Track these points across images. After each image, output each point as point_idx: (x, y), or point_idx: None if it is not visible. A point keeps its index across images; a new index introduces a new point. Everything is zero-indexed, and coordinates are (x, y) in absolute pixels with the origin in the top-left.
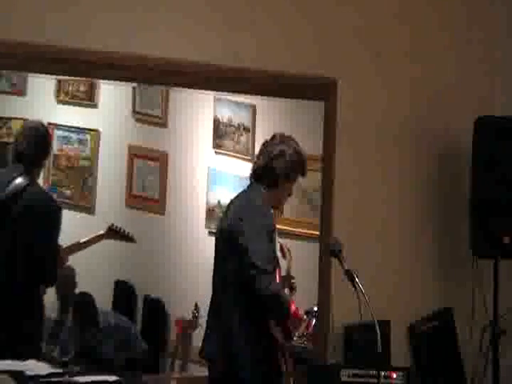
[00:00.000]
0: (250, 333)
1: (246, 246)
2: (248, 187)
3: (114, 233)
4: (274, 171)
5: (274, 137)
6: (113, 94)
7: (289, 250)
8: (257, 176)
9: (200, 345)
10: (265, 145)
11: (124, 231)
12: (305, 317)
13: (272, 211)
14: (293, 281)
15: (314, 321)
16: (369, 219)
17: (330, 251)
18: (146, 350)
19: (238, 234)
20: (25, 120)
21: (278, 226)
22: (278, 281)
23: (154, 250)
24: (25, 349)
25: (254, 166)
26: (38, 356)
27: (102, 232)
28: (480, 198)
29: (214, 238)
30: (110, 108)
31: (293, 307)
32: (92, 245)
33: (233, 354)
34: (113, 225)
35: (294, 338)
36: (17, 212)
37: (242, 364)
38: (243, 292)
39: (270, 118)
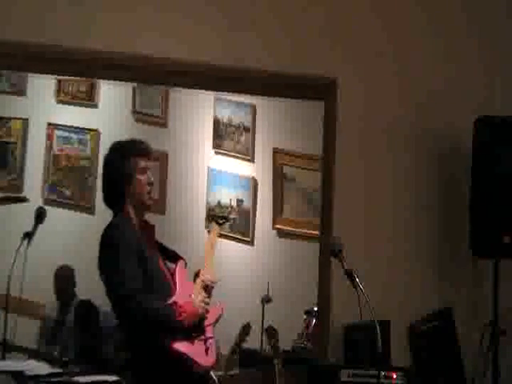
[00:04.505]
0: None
1: (104, 279)
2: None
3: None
4: (107, 190)
5: None
6: (113, 94)
7: (211, 286)
8: (107, 204)
9: None
10: None
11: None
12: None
13: (123, 228)
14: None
15: (314, 321)
16: (369, 219)
17: (330, 251)
18: None
19: (100, 275)
20: (24, 120)
21: (278, 227)
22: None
23: None
24: None
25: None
26: None
27: None
28: (480, 197)
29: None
30: (110, 108)
31: (184, 309)
32: None
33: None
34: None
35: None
36: None
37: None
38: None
39: (270, 117)
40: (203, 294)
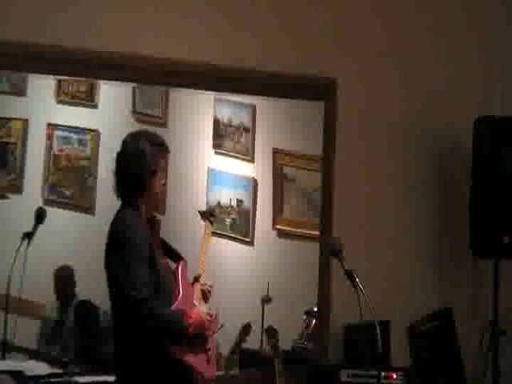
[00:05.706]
0: (137, 352)
1: (114, 281)
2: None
3: None
4: (129, 181)
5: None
6: (113, 94)
7: (209, 291)
8: (120, 194)
9: None
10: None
11: None
12: (207, 316)
13: (138, 229)
14: (208, 288)
15: (314, 321)
16: (369, 219)
17: (330, 251)
18: None
19: (107, 271)
20: (25, 120)
21: (278, 227)
22: (181, 295)
23: None
24: None
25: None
26: None
27: None
28: (480, 197)
29: (213, 238)
30: (110, 108)
31: (191, 318)
32: None
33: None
34: None
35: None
36: None
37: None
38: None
39: (269, 117)
40: (205, 304)
